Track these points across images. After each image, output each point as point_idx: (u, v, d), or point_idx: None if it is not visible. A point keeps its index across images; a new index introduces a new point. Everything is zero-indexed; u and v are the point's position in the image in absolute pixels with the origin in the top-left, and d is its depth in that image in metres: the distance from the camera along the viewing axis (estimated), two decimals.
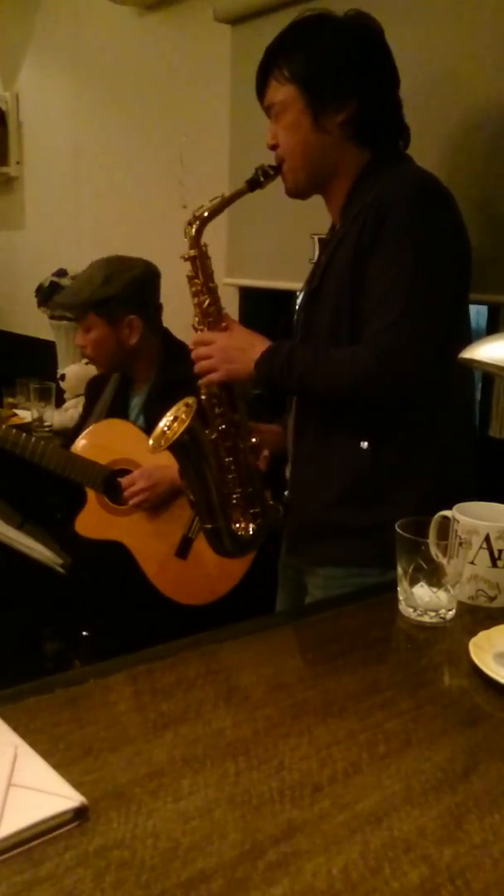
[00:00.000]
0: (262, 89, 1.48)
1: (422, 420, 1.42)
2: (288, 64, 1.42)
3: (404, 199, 1.35)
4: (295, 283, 2.37)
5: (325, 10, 1.45)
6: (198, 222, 1.50)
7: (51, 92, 3.55)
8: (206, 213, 1.50)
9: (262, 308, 2.63)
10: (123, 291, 2.11)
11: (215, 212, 1.50)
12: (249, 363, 1.43)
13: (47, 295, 3.25)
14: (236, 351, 1.46)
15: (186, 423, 1.41)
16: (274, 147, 1.49)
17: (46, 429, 2.81)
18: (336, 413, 1.44)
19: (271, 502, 1.57)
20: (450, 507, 1.21)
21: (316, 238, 2.18)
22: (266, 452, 1.58)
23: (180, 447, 1.44)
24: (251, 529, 1.55)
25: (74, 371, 2.98)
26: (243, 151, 2.44)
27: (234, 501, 1.55)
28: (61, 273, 3.28)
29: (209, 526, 1.54)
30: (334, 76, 1.41)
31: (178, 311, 2.37)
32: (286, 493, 1.58)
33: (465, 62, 1.77)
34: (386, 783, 0.79)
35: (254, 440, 1.56)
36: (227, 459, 1.54)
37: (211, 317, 1.53)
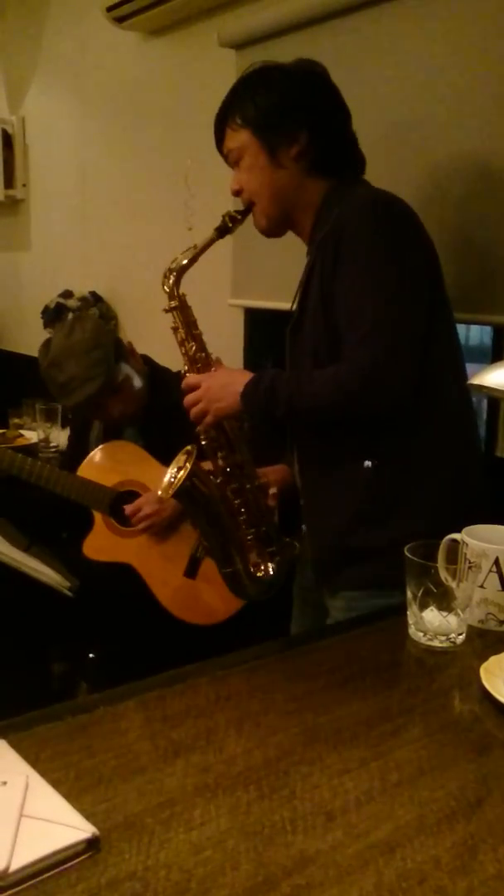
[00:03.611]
0: (220, 140, 1.59)
1: (420, 432, 1.43)
2: (240, 111, 1.52)
3: (355, 218, 1.40)
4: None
5: (271, 60, 1.55)
6: (174, 274, 1.56)
7: (57, 115, 3.58)
8: (181, 265, 1.56)
9: (267, 329, 2.64)
10: (108, 371, 2.11)
11: (190, 262, 1.55)
12: (235, 396, 1.45)
13: (53, 316, 3.27)
14: (220, 388, 1.49)
15: (188, 468, 1.44)
16: (238, 192, 1.57)
17: (52, 449, 2.82)
18: (334, 436, 1.46)
19: (286, 539, 1.58)
20: (462, 519, 1.22)
21: None
22: (274, 490, 1.60)
23: (186, 494, 1.46)
24: (270, 570, 1.56)
25: None
26: None
27: (249, 542, 1.56)
28: (67, 294, 3.30)
29: (227, 570, 1.55)
30: (281, 113, 1.49)
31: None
32: (303, 526, 1.59)
33: (439, 104, 1.81)
34: (399, 812, 0.78)
35: (261, 480, 1.58)
36: (235, 501, 1.55)
37: (199, 363, 1.57)
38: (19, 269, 4.02)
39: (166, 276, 1.57)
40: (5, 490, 2.27)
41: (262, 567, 1.56)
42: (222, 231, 1.55)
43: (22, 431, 3.10)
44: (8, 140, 3.77)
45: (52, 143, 3.64)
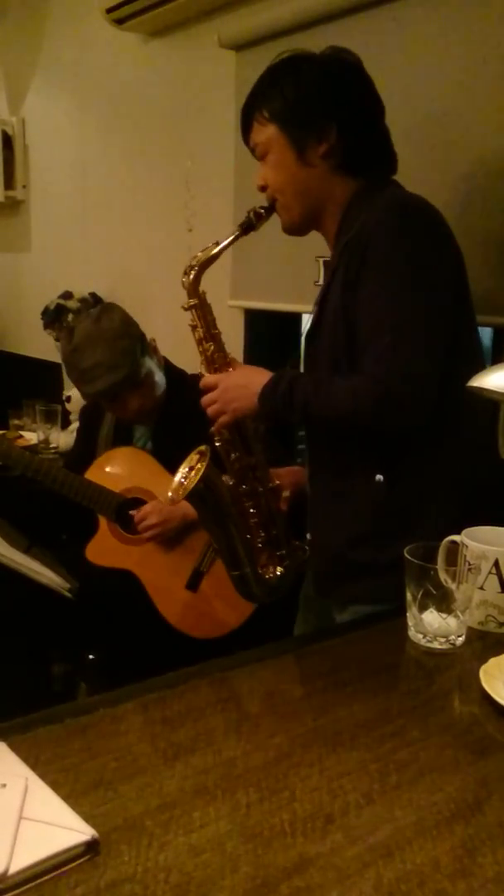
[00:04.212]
0: (246, 132, 1.52)
1: (437, 447, 1.40)
2: (267, 104, 1.46)
3: (383, 224, 1.35)
4: (299, 306, 2.39)
5: (301, 49, 1.49)
6: (194, 271, 1.52)
7: (57, 116, 3.58)
8: (201, 262, 1.51)
9: (266, 330, 2.64)
10: (134, 363, 2.07)
11: (211, 259, 1.51)
12: (252, 398, 1.42)
13: (53, 317, 3.27)
14: (237, 389, 1.46)
15: (202, 470, 1.41)
16: (263, 188, 1.52)
17: (52, 450, 2.82)
18: (348, 446, 1.43)
19: (296, 543, 1.56)
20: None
21: (321, 261, 2.20)
22: (286, 493, 1.58)
23: (197, 496, 1.44)
24: (278, 572, 1.55)
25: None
26: (248, 175, 2.45)
27: (259, 545, 1.54)
28: (67, 295, 3.30)
29: (236, 573, 1.53)
30: (310, 108, 1.43)
31: (179, 329, 2.39)
32: (307, 535, 1.57)
33: (467, 97, 1.79)
34: (398, 815, 0.78)
35: (274, 482, 1.56)
36: (247, 504, 1.53)
37: (217, 363, 1.54)
38: (19, 270, 4.02)
39: (186, 273, 1.53)
40: (5, 491, 2.27)
41: (271, 570, 1.55)
42: (246, 227, 1.51)
43: (22, 433, 3.10)
44: (8, 141, 3.77)
45: (53, 145, 3.64)
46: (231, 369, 1.54)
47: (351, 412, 1.34)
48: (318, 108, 1.43)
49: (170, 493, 1.45)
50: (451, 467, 1.41)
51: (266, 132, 1.47)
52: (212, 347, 1.54)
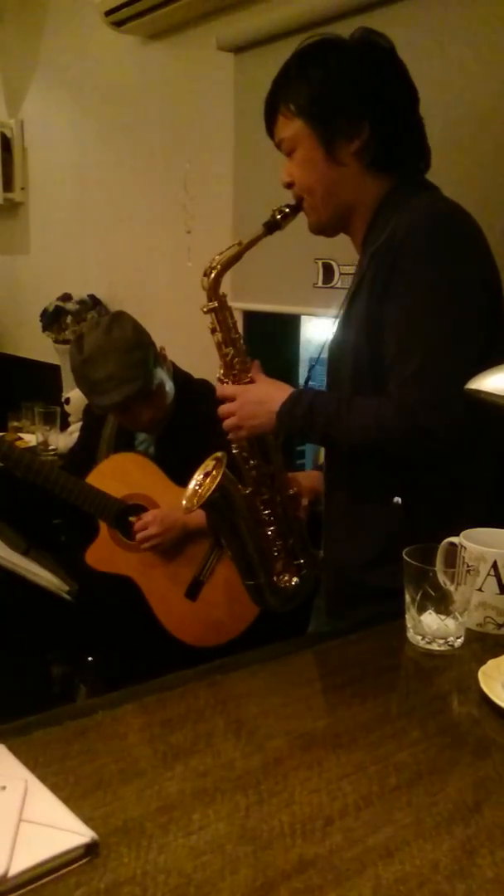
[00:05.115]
0: (270, 126, 1.42)
1: (458, 472, 1.34)
2: (292, 97, 1.36)
3: (416, 234, 1.26)
4: (299, 308, 2.39)
5: (329, 34, 1.38)
6: (214, 272, 1.44)
7: (55, 119, 3.59)
8: (223, 263, 1.44)
9: (266, 332, 2.65)
10: (147, 374, 2.05)
11: (233, 260, 1.44)
12: (271, 415, 1.37)
13: (52, 319, 3.28)
14: (255, 405, 1.40)
15: (217, 480, 1.37)
16: (289, 185, 1.43)
17: (51, 452, 2.82)
18: (367, 466, 1.37)
19: (314, 551, 1.52)
20: None
21: (320, 262, 2.21)
22: (305, 502, 1.53)
23: (212, 505, 1.40)
24: (293, 582, 1.51)
25: (79, 395, 2.98)
26: (247, 178, 2.47)
27: (275, 553, 1.50)
28: (66, 297, 3.31)
29: (250, 582, 1.50)
30: (341, 104, 1.33)
31: (178, 331, 2.39)
32: (321, 551, 1.52)
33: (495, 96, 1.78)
34: (397, 816, 0.78)
35: (292, 490, 1.51)
36: (264, 512, 1.49)
37: (236, 369, 1.47)
38: (18, 272, 4.03)
39: (206, 274, 1.45)
40: (3, 493, 2.27)
41: (286, 579, 1.51)
42: (271, 227, 1.42)
43: (21, 434, 3.11)
44: (7, 143, 3.78)
45: (51, 147, 3.65)
46: (250, 377, 1.47)
47: (373, 437, 1.28)
48: (349, 102, 1.33)
49: (184, 502, 1.42)
50: (475, 490, 1.37)
51: (292, 127, 1.37)
52: (231, 352, 1.47)
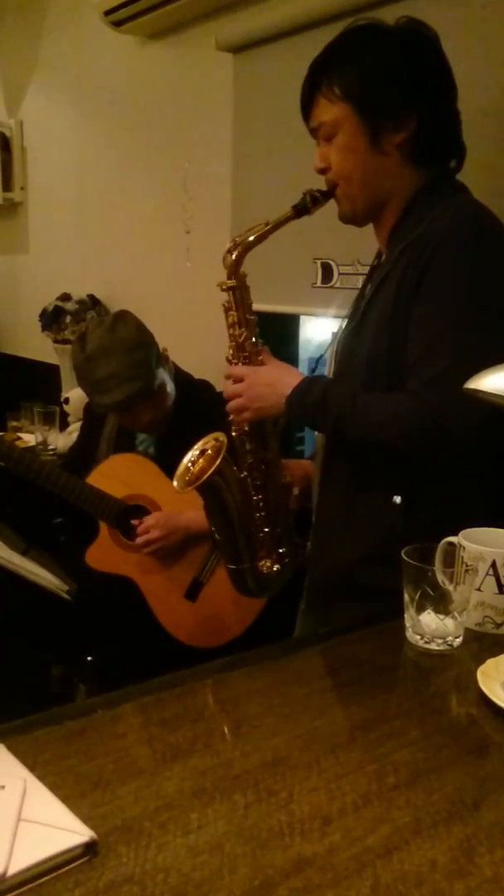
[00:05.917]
0: (308, 108, 1.37)
1: (463, 473, 1.31)
2: (339, 80, 1.31)
3: (453, 236, 1.24)
4: (298, 308, 2.39)
5: (376, 19, 1.34)
6: (238, 249, 1.41)
7: (54, 119, 3.59)
8: (249, 240, 1.40)
9: (265, 332, 2.64)
10: (149, 374, 2.05)
11: (259, 239, 1.40)
12: (280, 399, 1.34)
13: (51, 319, 3.28)
14: (265, 387, 1.38)
15: (216, 463, 1.35)
16: (323, 171, 1.38)
17: (50, 452, 2.83)
18: (368, 461, 1.34)
19: (298, 541, 1.51)
20: None
21: (319, 263, 2.21)
22: (296, 491, 1.52)
23: (208, 487, 1.39)
24: (275, 568, 1.50)
25: (78, 394, 2.99)
26: (245, 178, 2.46)
27: (262, 541, 1.49)
28: (65, 297, 3.31)
29: (233, 567, 1.49)
30: (392, 93, 1.29)
31: (177, 331, 2.39)
32: (308, 543, 1.51)
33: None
34: (396, 815, 0.78)
35: (285, 479, 1.50)
36: (256, 498, 1.48)
37: (247, 351, 1.44)
38: (17, 271, 4.03)
39: (229, 252, 1.40)
40: (2, 493, 2.27)
41: (268, 565, 1.50)
42: (300, 210, 1.38)
43: (20, 434, 3.11)
44: (6, 143, 3.78)
45: (51, 147, 3.65)
46: (261, 360, 1.44)
47: (389, 435, 1.26)
48: (399, 92, 1.29)
49: (175, 481, 1.40)
50: (476, 489, 1.35)
51: (335, 111, 1.32)
52: (244, 334, 1.44)
